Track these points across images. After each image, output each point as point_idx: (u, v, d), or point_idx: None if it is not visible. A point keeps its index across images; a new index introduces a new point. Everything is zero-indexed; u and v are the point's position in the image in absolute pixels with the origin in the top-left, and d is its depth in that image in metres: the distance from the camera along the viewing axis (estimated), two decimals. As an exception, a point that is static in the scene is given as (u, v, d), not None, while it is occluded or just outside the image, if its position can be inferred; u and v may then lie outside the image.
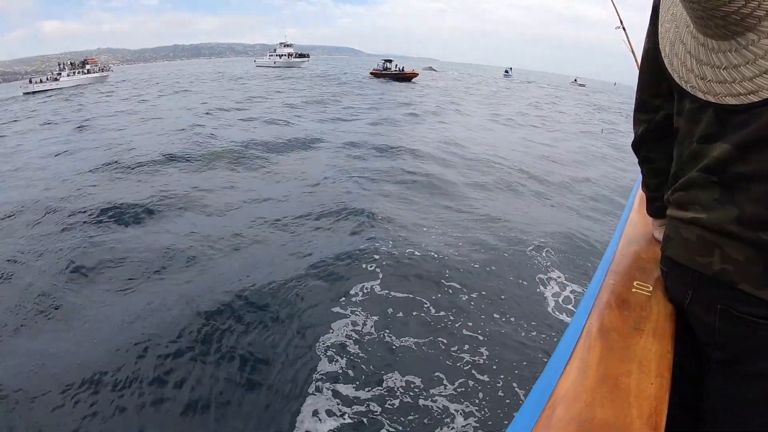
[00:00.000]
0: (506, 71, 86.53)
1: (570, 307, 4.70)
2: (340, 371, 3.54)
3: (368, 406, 3.24)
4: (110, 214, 7.00)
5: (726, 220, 0.78)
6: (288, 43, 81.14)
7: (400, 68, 47.10)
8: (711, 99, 0.76)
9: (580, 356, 0.78)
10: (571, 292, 4.93)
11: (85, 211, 7.16)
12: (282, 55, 78.31)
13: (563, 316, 4.49)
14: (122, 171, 9.56)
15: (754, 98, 0.69)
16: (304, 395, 3.29)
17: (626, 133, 18.58)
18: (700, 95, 0.78)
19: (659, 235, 1.12)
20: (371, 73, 48.81)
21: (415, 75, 45.50)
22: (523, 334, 4.15)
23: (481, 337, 4.03)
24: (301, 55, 79.02)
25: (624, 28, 2.86)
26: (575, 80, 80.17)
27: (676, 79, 0.83)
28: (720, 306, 0.81)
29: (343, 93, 29.75)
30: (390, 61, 49.97)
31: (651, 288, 0.99)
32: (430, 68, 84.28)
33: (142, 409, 3.24)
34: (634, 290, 0.99)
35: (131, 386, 3.43)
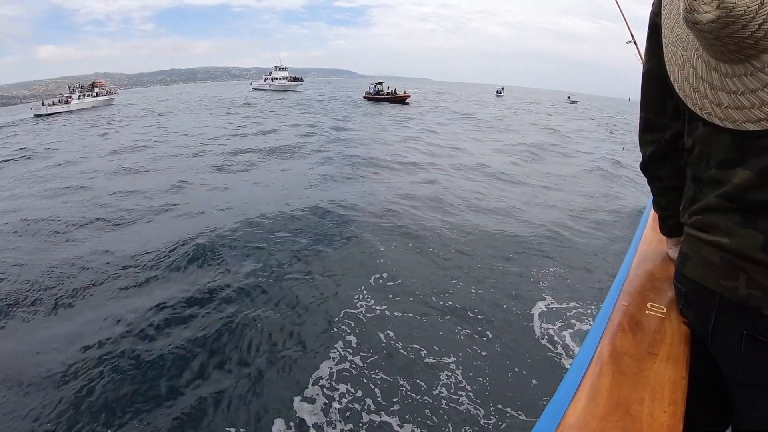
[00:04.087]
0: (498, 91, 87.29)
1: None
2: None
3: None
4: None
5: (751, 246, 0.75)
6: (283, 66, 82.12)
7: (392, 90, 47.31)
8: (729, 126, 0.72)
9: (591, 382, 0.75)
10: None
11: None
12: (277, 78, 79.12)
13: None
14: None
15: None
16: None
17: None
18: (717, 122, 0.74)
19: (674, 253, 1.10)
20: (364, 97, 49.11)
21: (408, 97, 45.74)
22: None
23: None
24: (295, 79, 79.86)
25: (635, 43, 2.62)
26: (569, 97, 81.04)
27: (690, 106, 0.79)
28: (746, 332, 0.78)
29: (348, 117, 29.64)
30: (381, 83, 50.29)
31: (665, 309, 0.95)
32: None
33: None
34: (647, 312, 0.95)
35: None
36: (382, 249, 6.58)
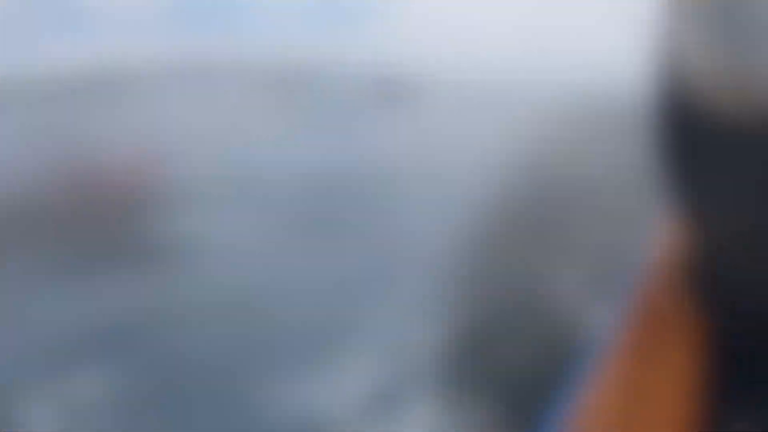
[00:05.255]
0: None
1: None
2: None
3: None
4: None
5: None
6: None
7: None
8: None
9: (603, 367, 0.58)
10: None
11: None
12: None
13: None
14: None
15: None
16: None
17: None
18: None
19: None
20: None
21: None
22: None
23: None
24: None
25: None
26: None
27: None
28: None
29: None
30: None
31: (681, 297, 0.89)
32: None
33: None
34: (662, 299, 0.90)
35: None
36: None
